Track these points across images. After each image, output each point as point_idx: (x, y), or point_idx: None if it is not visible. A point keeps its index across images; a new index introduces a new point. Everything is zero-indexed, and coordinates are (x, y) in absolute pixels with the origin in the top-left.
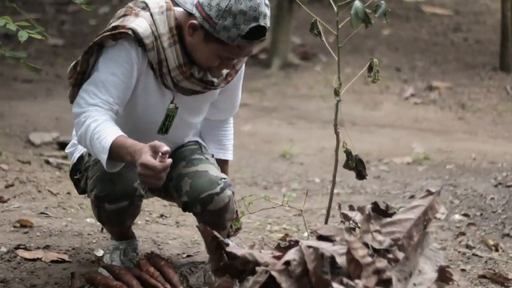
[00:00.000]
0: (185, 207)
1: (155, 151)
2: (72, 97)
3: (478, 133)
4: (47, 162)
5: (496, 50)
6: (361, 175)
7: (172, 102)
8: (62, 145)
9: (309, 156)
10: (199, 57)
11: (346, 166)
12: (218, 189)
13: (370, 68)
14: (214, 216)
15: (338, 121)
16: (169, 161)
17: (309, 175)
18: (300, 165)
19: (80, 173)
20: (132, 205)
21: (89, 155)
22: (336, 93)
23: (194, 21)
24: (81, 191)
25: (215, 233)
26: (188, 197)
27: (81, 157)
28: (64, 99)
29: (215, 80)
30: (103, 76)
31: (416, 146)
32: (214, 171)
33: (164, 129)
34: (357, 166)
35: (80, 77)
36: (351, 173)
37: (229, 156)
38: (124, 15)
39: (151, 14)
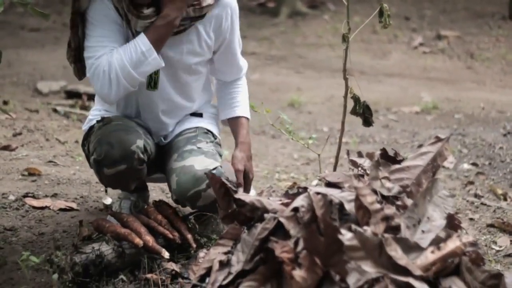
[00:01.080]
0: (177, 202)
1: None
2: (78, 74)
3: (486, 83)
4: (55, 110)
5: None
6: (367, 122)
7: None
8: (70, 94)
9: (317, 105)
10: None
11: (354, 112)
12: (204, 185)
13: (381, 13)
14: (206, 209)
15: (347, 70)
16: None
17: (317, 124)
18: (308, 114)
19: (87, 143)
20: (131, 169)
21: (97, 122)
22: (345, 39)
23: None
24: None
25: (224, 180)
26: (176, 195)
27: (91, 128)
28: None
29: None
30: (98, 32)
31: (425, 95)
32: (201, 164)
33: (152, 83)
34: (364, 112)
35: (77, 53)
36: (359, 122)
37: (238, 112)
38: None
39: None
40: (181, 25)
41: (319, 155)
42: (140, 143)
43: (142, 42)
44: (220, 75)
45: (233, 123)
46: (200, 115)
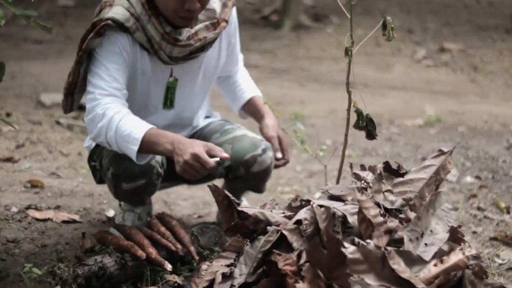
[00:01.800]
0: (228, 172)
1: (208, 150)
2: (66, 107)
3: (490, 96)
4: (58, 122)
5: (509, 12)
6: (371, 135)
7: (171, 76)
8: None
9: (320, 118)
10: (164, 7)
11: (357, 126)
12: (260, 150)
13: (384, 26)
14: (255, 179)
15: (350, 83)
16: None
17: (320, 137)
18: (311, 127)
19: (97, 157)
20: (150, 184)
21: None
22: (347, 52)
23: None
24: (99, 180)
25: (226, 192)
26: (231, 161)
27: (98, 144)
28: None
29: (180, 31)
30: (104, 67)
31: (428, 109)
32: (252, 134)
33: (168, 102)
34: (367, 125)
35: (72, 87)
36: (362, 135)
37: (248, 95)
38: (100, 11)
39: None
40: (197, 53)
41: (325, 166)
42: (158, 157)
43: (141, 131)
44: (222, 73)
45: (248, 106)
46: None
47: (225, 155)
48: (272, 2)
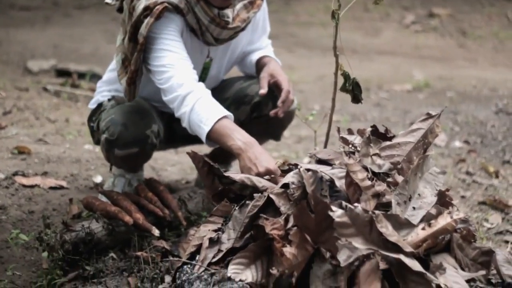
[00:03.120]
0: (254, 109)
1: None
2: (129, 95)
3: (478, 61)
4: (45, 89)
5: None
6: (357, 99)
7: (208, 56)
8: (60, 73)
9: (309, 83)
10: None
11: (344, 89)
12: (273, 111)
13: None
14: (279, 119)
15: (338, 48)
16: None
17: (309, 102)
18: (300, 92)
19: (95, 119)
20: (142, 153)
21: (109, 100)
22: (334, 15)
23: None
24: (97, 140)
25: (206, 158)
26: (260, 96)
27: (100, 105)
28: (62, 27)
29: (227, 14)
30: (167, 41)
31: (416, 74)
32: None
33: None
34: (353, 89)
35: (135, 75)
36: (350, 100)
37: (259, 55)
38: None
39: None
40: (238, 33)
41: (315, 131)
42: (155, 128)
43: (216, 116)
44: (248, 47)
45: (257, 66)
46: None
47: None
48: None
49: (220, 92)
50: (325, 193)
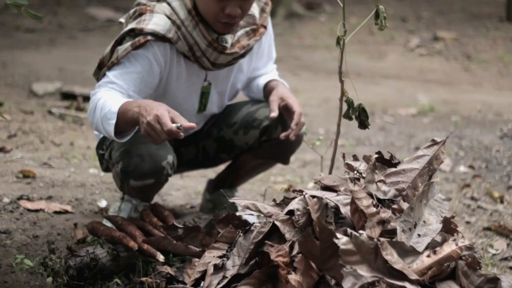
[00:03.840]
0: (264, 133)
1: (172, 116)
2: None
3: (483, 85)
4: (50, 112)
5: (502, 0)
6: (363, 125)
7: (205, 80)
8: (65, 95)
9: (313, 107)
10: (204, 8)
11: (346, 116)
12: (283, 134)
13: (377, 15)
14: (288, 143)
15: (343, 72)
16: (180, 134)
17: (313, 125)
18: (304, 116)
19: (106, 147)
20: (157, 184)
21: None
22: (339, 41)
23: None
24: (105, 167)
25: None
26: (269, 120)
27: None
28: (66, 49)
29: (226, 39)
30: (123, 66)
31: (421, 98)
32: None
33: (202, 107)
34: (360, 115)
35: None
36: (355, 125)
37: (267, 79)
38: (140, 14)
39: (168, 3)
40: (238, 59)
41: (322, 157)
42: (170, 159)
43: (117, 105)
44: (250, 74)
45: (265, 91)
46: None
47: (190, 124)
48: None
49: (227, 116)
50: (330, 220)
